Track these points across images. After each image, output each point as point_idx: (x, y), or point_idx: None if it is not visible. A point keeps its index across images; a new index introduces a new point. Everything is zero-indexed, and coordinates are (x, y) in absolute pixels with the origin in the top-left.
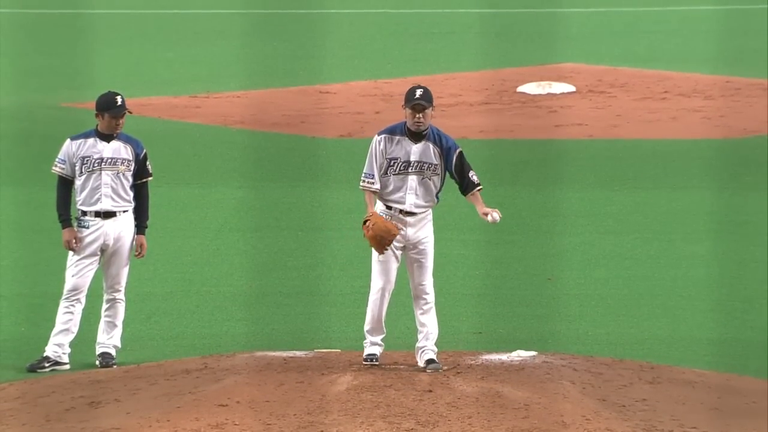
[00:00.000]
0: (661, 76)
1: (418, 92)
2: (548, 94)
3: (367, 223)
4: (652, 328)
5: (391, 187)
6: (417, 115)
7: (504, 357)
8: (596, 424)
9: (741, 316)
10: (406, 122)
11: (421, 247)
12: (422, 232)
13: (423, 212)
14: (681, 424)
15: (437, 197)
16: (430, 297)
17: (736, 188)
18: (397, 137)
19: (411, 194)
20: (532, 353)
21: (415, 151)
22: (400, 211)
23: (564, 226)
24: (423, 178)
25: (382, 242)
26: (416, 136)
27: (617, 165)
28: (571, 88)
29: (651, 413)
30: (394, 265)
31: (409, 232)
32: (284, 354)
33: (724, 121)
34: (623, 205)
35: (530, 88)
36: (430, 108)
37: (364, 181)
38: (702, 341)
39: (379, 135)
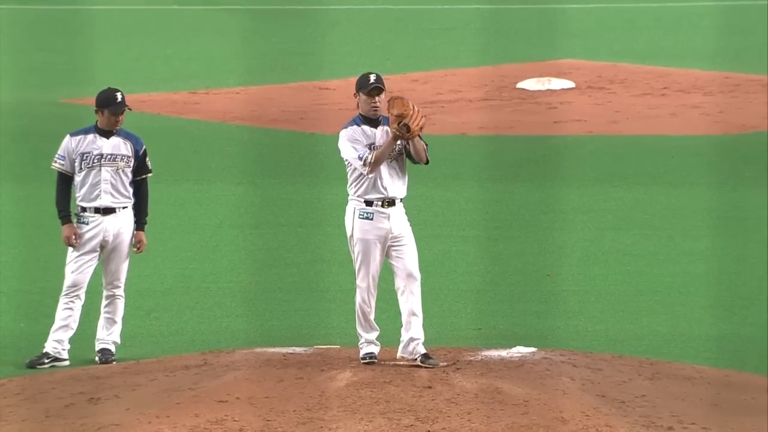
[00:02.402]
0: (661, 72)
1: (372, 77)
2: (548, 90)
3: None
4: (652, 324)
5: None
6: (375, 99)
7: (503, 353)
8: (595, 420)
9: (740, 312)
10: (359, 114)
11: (403, 239)
12: (402, 224)
13: (400, 203)
14: (680, 420)
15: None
16: (419, 283)
17: (735, 184)
18: (361, 126)
19: (387, 178)
20: (532, 349)
21: (379, 135)
22: (382, 203)
23: (563, 222)
24: (390, 161)
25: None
26: (373, 123)
27: (616, 161)
28: (570, 84)
29: (650, 409)
30: (377, 262)
31: (393, 225)
32: (284, 350)
33: (724, 117)
34: (622, 201)
35: (530, 84)
36: (384, 93)
37: (361, 159)
38: (701, 337)
39: (347, 127)
